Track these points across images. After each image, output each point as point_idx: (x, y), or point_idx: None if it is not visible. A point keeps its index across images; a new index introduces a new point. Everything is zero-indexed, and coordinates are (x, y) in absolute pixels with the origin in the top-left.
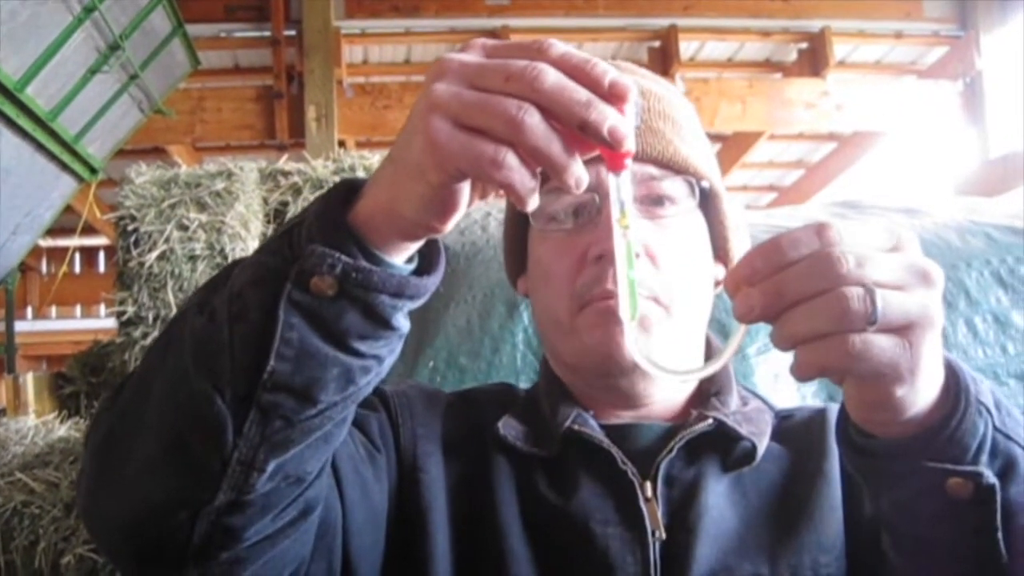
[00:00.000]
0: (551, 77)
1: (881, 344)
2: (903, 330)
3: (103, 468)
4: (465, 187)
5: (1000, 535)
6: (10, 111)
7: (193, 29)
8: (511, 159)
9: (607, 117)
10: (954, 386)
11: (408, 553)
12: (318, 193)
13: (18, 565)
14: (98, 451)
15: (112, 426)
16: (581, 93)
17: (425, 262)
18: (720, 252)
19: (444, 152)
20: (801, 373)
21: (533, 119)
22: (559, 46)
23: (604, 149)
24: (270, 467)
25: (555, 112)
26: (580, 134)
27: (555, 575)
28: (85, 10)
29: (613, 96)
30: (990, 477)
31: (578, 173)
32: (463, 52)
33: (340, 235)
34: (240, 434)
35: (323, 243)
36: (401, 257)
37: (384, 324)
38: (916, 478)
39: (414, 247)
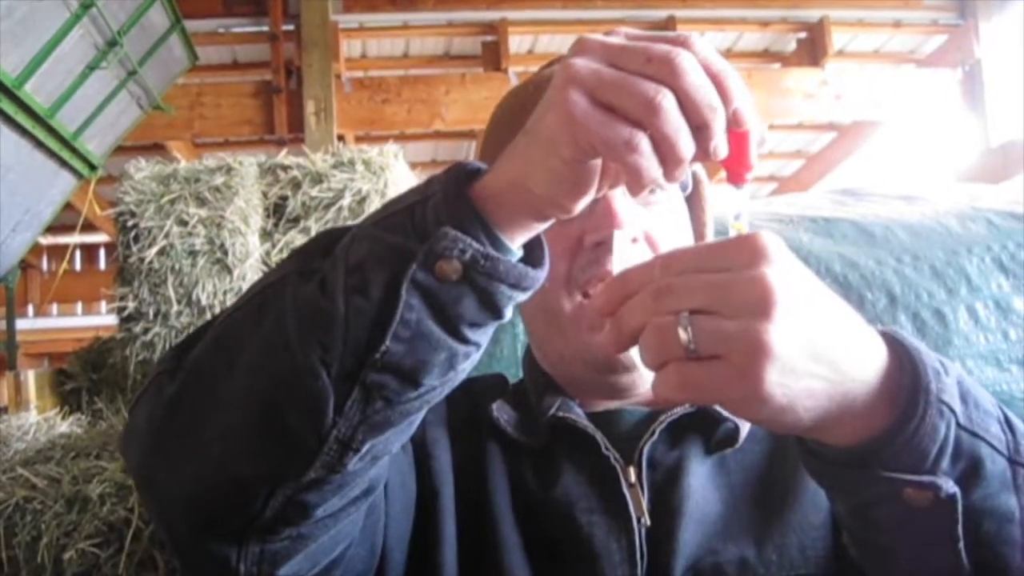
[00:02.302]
0: (692, 68)
1: (704, 374)
2: (727, 358)
3: (168, 434)
4: (597, 166)
5: (962, 545)
6: (9, 108)
7: (191, 25)
8: (645, 144)
9: (719, 134)
10: (910, 386)
11: (421, 537)
12: (319, 186)
13: (20, 560)
14: (162, 416)
15: (182, 390)
16: (715, 97)
17: (528, 254)
18: (699, 236)
19: (579, 127)
20: (660, 401)
21: (670, 104)
22: (704, 45)
23: (729, 162)
24: (365, 448)
25: (685, 104)
26: (695, 133)
27: (544, 563)
28: (83, 6)
29: (733, 120)
30: (949, 487)
31: (683, 172)
32: (606, 35)
33: (468, 216)
34: (340, 412)
35: (452, 224)
36: (521, 239)
37: (496, 313)
38: (871, 486)
39: (538, 228)
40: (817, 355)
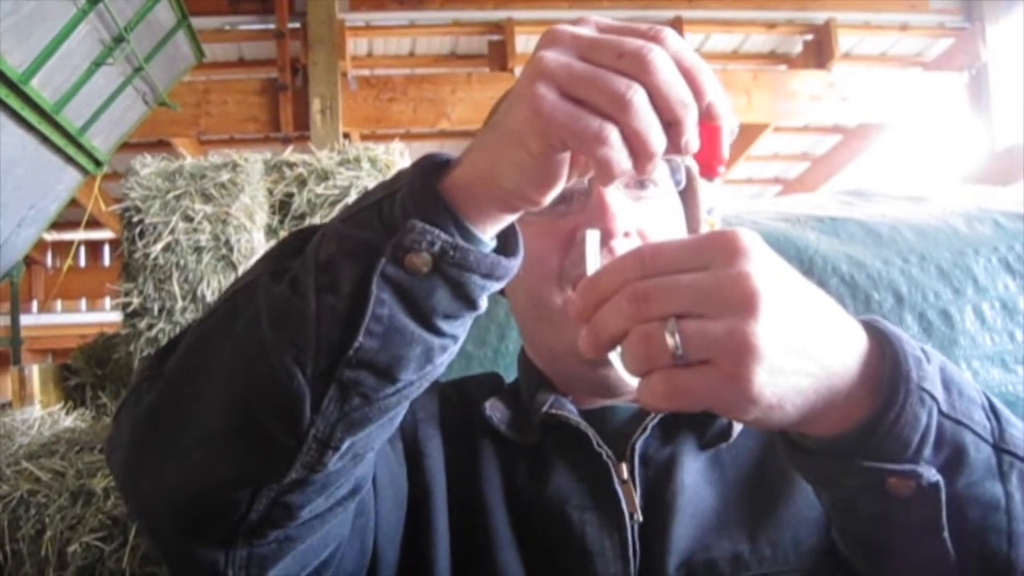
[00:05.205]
0: (664, 64)
1: (693, 380)
2: (715, 362)
3: (149, 440)
4: (565, 159)
5: (947, 534)
6: (15, 103)
7: (198, 22)
8: (615, 137)
9: (691, 129)
10: (890, 375)
11: (413, 535)
12: (325, 184)
13: (24, 554)
14: (143, 422)
15: (161, 397)
16: (687, 93)
17: (502, 243)
18: (692, 231)
19: (547, 121)
20: (649, 408)
21: (641, 100)
22: (676, 39)
23: (701, 156)
24: (344, 445)
25: (657, 100)
26: (666, 129)
27: (538, 562)
28: (89, 2)
29: (706, 114)
30: (932, 475)
31: (655, 166)
32: (576, 25)
33: (437, 209)
34: (318, 411)
35: (420, 217)
36: (493, 231)
37: (470, 304)
38: (854, 476)
39: (509, 219)
40: (803, 351)
